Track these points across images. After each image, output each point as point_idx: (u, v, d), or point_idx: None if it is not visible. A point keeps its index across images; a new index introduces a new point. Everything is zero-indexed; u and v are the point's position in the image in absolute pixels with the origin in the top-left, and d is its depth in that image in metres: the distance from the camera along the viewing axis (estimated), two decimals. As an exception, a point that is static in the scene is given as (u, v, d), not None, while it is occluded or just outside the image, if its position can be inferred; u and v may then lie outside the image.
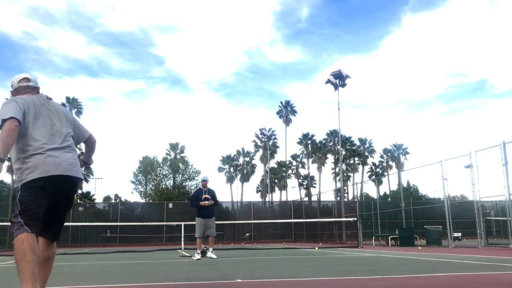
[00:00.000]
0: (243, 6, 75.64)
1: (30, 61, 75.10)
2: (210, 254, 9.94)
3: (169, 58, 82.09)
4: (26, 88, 3.30)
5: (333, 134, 54.04)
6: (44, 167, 2.96)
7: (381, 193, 49.01)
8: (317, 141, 56.79)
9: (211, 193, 10.26)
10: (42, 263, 3.13)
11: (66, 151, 3.11)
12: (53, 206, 3.08)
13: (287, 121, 55.85)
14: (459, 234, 21.36)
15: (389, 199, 46.68)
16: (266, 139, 55.96)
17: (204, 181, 10.43)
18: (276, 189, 56.90)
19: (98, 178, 54.34)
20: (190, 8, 74.96)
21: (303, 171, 58.06)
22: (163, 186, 49.90)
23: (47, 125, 3.10)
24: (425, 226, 17.42)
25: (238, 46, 79.93)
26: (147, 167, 50.58)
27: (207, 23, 76.87)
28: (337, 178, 52.87)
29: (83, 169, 3.52)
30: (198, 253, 9.79)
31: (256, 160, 56.96)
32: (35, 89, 3.34)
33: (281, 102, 56.97)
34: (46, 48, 73.22)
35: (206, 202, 10.08)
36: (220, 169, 57.03)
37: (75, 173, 3.11)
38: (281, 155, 65.74)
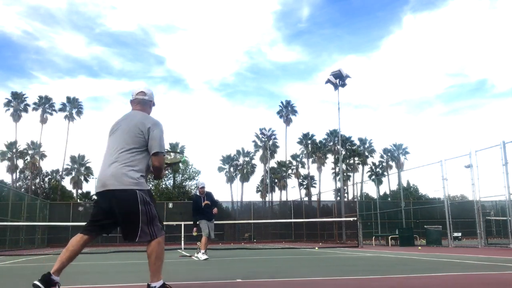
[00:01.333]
0: (243, 6, 75.68)
1: (31, 61, 75.20)
2: (200, 255, 9.89)
3: (170, 58, 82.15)
4: (134, 103, 3.72)
5: (333, 134, 54.03)
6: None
7: (381, 193, 49.05)
8: (317, 141, 56.79)
9: (210, 197, 10.33)
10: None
11: (110, 165, 3.44)
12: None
13: (287, 121, 55.85)
14: (459, 234, 21.36)
15: (389, 199, 46.67)
16: (266, 139, 55.96)
17: (202, 188, 10.49)
18: (276, 189, 56.90)
19: (98, 178, 54.35)
20: (190, 8, 75.00)
21: (303, 171, 58.05)
22: (163, 186, 49.91)
23: (109, 144, 3.58)
24: (425, 226, 17.42)
25: (239, 46, 79.99)
26: (147, 167, 50.58)
27: (207, 23, 76.92)
28: (337, 178, 52.88)
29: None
30: (204, 253, 9.76)
31: (256, 160, 57.00)
32: (147, 103, 3.73)
33: (282, 102, 57.01)
34: (46, 48, 73.24)
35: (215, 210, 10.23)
36: (220, 169, 57.06)
37: (111, 185, 3.37)
38: (281, 155, 65.81)
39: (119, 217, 3.41)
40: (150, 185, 50.76)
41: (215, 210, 10.25)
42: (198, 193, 10.49)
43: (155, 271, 3.40)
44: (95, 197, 3.48)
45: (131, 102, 3.73)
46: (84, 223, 3.89)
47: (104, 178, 3.40)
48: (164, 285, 3.41)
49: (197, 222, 10.20)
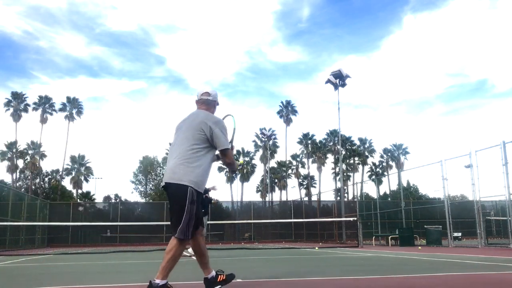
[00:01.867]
0: (244, 6, 75.67)
1: (31, 61, 75.22)
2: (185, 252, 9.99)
3: (170, 58, 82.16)
4: (199, 103, 3.93)
5: (333, 134, 54.02)
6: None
7: (381, 193, 49.02)
8: (317, 141, 56.77)
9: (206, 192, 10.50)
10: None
11: (171, 160, 3.67)
12: None
13: (288, 121, 55.84)
14: (459, 234, 21.35)
15: (389, 199, 46.65)
16: (266, 139, 55.93)
17: None
18: (276, 189, 56.87)
19: (98, 178, 54.40)
20: (190, 8, 74.99)
21: (303, 171, 57.98)
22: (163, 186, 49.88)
23: (174, 141, 3.81)
24: (425, 226, 17.41)
25: (239, 46, 80.00)
26: (147, 167, 50.61)
27: (208, 23, 76.92)
28: (337, 178, 52.87)
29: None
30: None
31: (256, 160, 56.96)
32: (211, 103, 3.93)
33: (282, 102, 56.97)
34: (47, 48, 73.25)
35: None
36: (220, 169, 56.90)
37: (168, 178, 3.60)
38: (281, 155, 65.80)
39: (171, 208, 3.62)
40: (151, 185, 50.83)
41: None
42: None
43: (164, 269, 3.48)
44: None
45: (196, 102, 3.94)
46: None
47: (166, 171, 3.68)
48: (165, 285, 3.46)
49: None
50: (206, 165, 3.66)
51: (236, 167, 3.98)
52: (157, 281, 3.41)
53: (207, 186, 10.08)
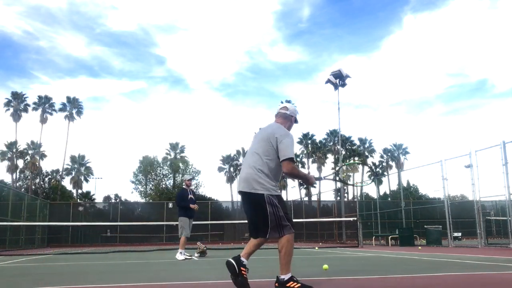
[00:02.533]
0: (244, 6, 75.66)
1: (31, 61, 75.22)
2: (178, 255, 9.71)
3: (170, 58, 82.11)
4: (277, 117, 4.22)
5: (333, 134, 54.03)
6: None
7: (381, 193, 49.02)
8: (317, 140, 56.77)
9: (194, 194, 10.48)
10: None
11: (246, 168, 4.00)
12: None
13: (287, 121, 55.81)
14: (459, 234, 21.36)
15: (389, 199, 46.65)
16: (266, 139, 55.90)
17: (189, 181, 10.62)
18: (276, 189, 56.83)
19: (98, 178, 54.39)
20: (191, 8, 74.98)
21: (303, 171, 58.02)
22: (163, 185, 49.90)
23: (249, 148, 4.14)
24: (425, 226, 17.41)
25: (239, 46, 79.98)
26: (147, 167, 50.57)
27: (208, 23, 76.91)
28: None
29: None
30: (182, 253, 9.66)
31: (256, 160, 56.92)
32: (288, 117, 4.19)
33: (281, 102, 56.95)
34: (47, 48, 73.22)
35: (196, 206, 10.24)
36: (220, 169, 57.02)
37: (243, 187, 3.96)
38: (281, 155, 65.58)
39: (252, 216, 4.01)
40: (151, 185, 50.79)
41: (195, 206, 10.21)
42: (185, 186, 10.57)
43: (285, 264, 3.89)
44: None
45: (275, 115, 4.25)
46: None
47: (240, 180, 4.02)
48: (291, 278, 3.85)
49: (181, 218, 10.16)
50: (276, 174, 4.02)
51: (311, 182, 4.33)
52: (283, 276, 3.84)
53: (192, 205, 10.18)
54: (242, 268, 3.86)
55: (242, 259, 3.97)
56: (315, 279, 4.88)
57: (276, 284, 3.88)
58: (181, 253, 9.64)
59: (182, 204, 10.20)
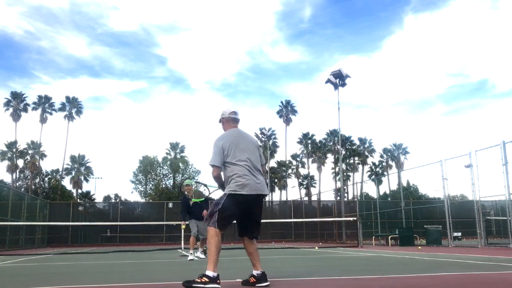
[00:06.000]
0: (245, 7, 75.65)
1: (33, 61, 75.20)
2: (199, 254, 10.00)
3: (171, 58, 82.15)
4: (237, 122, 4.56)
5: (333, 133, 54.00)
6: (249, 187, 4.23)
7: (381, 193, 48.98)
8: (317, 140, 56.74)
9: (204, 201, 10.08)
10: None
11: (259, 175, 4.39)
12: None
13: (287, 121, 55.83)
14: (459, 234, 21.34)
15: (389, 198, 46.64)
16: (266, 139, 55.91)
17: (187, 186, 10.60)
18: (276, 188, 56.85)
19: (98, 178, 54.37)
20: (192, 8, 74.94)
21: (303, 171, 57.89)
22: (163, 185, 49.89)
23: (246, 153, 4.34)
24: (425, 226, 17.40)
25: (240, 46, 79.99)
26: (147, 166, 50.57)
27: (209, 23, 76.92)
28: (337, 178, 52.84)
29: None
30: (191, 253, 9.73)
31: (256, 160, 56.88)
32: (237, 122, 4.57)
33: (282, 102, 56.96)
34: (48, 48, 73.22)
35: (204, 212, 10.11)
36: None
37: (264, 190, 4.38)
38: (281, 155, 65.63)
39: (259, 218, 4.44)
40: (151, 184, 50.80)
41: (204, 212, 9.62)
42: (186, 192, 10.54)
43: (258, 261, 4.40)
44: (239, 197, 4.21)
45: (237, 121, 4.57)
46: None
47: (260, 183, 4.31)
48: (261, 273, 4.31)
49: (186, 222, 10.41)
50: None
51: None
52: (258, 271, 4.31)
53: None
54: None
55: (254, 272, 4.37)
56: (315, 279, 4.89)
57: (253, 280, 4.29)
58: (191, 253, 9.75)
59: (183, 215, 10.56)
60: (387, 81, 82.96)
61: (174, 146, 54.64)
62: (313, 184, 57.15)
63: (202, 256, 9.77)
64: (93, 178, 53.12)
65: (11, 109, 50.48)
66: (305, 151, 57.03)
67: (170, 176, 51.24)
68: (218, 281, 3.93)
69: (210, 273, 3.94)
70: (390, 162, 58.87)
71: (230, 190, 4.18)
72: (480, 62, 79.22)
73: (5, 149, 49.54)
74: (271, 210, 36.45)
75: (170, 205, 30.47)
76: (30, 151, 50.51)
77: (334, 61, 78.75)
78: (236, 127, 4.53)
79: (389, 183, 55.10)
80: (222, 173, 4.36)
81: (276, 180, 56.44)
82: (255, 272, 4.31)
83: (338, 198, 31.68)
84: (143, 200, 47.34)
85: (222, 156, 4.25)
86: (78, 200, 49.10)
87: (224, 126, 4.57)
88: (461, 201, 26.91)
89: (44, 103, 51.17)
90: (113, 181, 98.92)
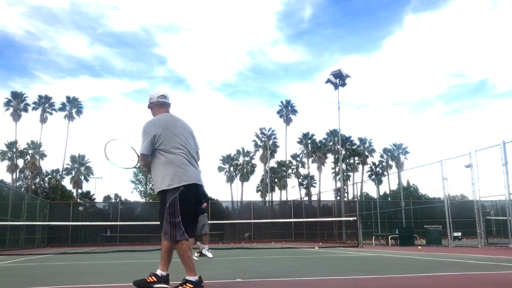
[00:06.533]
0: (245, 7, 75.64)
1: (33, 61, 75.20)
2: (206, 252, 9.94)
3: (172, 58, 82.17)
4: (169, 107, 4.20)
5: (333, 133, 53.99)
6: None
7: (381, 193, 49.00)
8: (317, 140, 56.72)
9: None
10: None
11: (195, 164, 4.05)
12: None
13: (287, 121, 55.82)
14: (459, 234, 21.35)
15: (389, 198, 46.63)
16: (266, 139, 55.92)
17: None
18: (276, 188, 56.84)
19: (98, 178, 54.38)
20: (192, 8, 74.94)
21: (303, 171, 57.88)
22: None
23: (182, 140, 3.96)
24: (425, 226, 17.41)
25: (241, 46, 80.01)
26: (147, 166, 50.49)
27: (209, 23, 76.92)
28: (337, 178, 52.82)
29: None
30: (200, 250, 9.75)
31: (256, 160, 56.93)
32: (168, 106, 4.19)
33: (282, 102, 56.95)
34: (49, 48, 73.23)
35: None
36: (220, 169, 57.00)
37: (199, 180, 4.02)
38: (281, 155, 65.68)
39: (200, 210, 4.19)
40: (151, 184, 50.78)
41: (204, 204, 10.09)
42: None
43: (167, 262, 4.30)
44: (183, 188, 3.86)
45: (168, 105, 4.21)
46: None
47: (195, 172, 3.96)
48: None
49: None
50: None
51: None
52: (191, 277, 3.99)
53: None
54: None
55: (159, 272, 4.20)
56: (316, 279, 4.88)
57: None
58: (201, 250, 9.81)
59: None
60: (387, 81, 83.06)
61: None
62: (313, 184, 57.19)
63: (210, 255, 9.72)
64: (93, 178, 53.15)
65: (11, 109, 50.48)
66: (305, 151, 57.02)
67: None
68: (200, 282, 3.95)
69: (192, 278, 3.94)
70: (390, 162, 58.87)
71: (172, 186, 3.82)
72: (480, 62, 79.30)
73: (5, 149, 49.55)
74: (271, 210, 36.45)
75: (170, 205, 30.42)
76: (30, 151, 50.51)
77: (334, 61, 78.87)
78: (168, 112, 4.16)
79: (389, 183, 55.15)
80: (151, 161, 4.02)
81: (276, 180, 56.43)
82: (164, 273, 4.20)
83: (338, 198, 31.68)
84: (143, 200, 47.38)
85: (153, 143, 3.88)
86: (78, 200, 49.08)
87: (154, 111, 4.17)
88: (461, 201, 26.92)
89: (44, 103, 51.17)
90: (113, 181, 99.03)
